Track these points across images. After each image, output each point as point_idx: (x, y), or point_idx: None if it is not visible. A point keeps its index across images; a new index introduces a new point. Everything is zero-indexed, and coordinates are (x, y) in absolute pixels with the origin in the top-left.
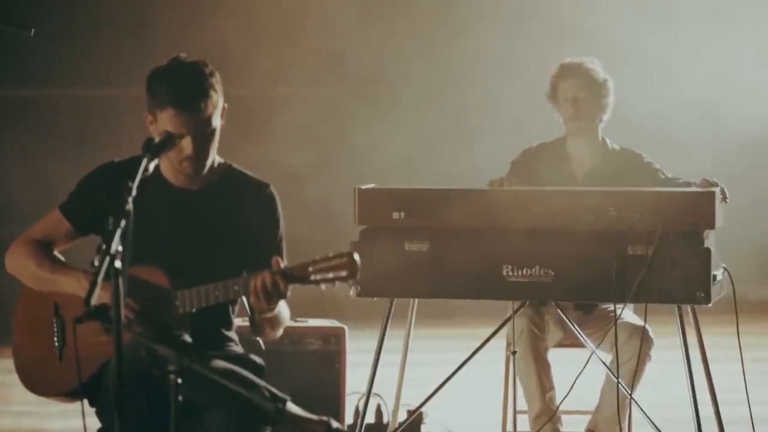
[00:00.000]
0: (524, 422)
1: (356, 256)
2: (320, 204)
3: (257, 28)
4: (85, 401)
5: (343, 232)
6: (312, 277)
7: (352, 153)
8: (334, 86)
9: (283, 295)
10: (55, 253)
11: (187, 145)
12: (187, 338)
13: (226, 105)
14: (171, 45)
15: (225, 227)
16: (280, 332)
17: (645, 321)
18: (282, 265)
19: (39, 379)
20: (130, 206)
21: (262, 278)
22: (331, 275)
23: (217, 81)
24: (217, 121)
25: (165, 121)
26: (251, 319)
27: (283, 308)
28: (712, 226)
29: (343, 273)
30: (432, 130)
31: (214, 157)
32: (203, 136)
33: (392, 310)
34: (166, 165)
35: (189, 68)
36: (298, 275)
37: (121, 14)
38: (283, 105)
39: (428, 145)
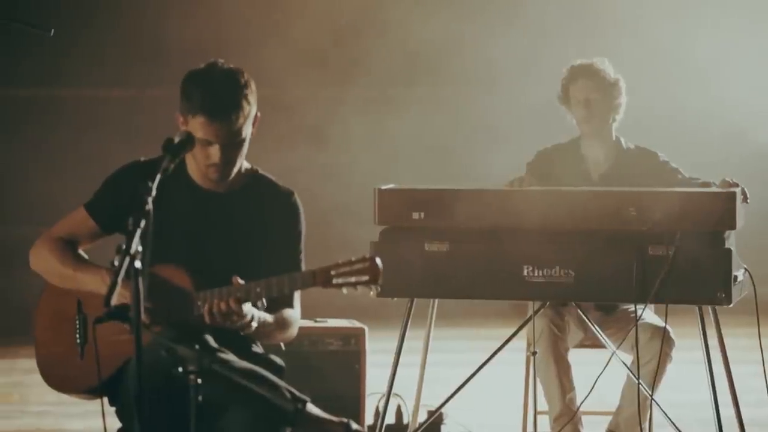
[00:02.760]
0: (545, 423)
1: (378, 261)
2: (334, 205)
3: (262, 27)
4: (105, 400)
5: (356, 232)
6: (334, 281)
7: (366, 152)
8: (350, 87)
9: (237, 318)
10: (80, 251)
11: (214, 152)
12: (208, 338)
13: (258, 114)
14: (187, 46)
15: (248, 231)
16: (289, 334)
17: (666, 322)
18: (240, 283)
19: (60, 376)
20: (149, 206)
21: (216, 303)
22: (353, 279)
23: (251, 91)
24: (247, 131)
25: (195, 127)
26: None
27: (289, 313)
28: (733, 226)
29: (365, 278)
30: (450, 129)
31: (242, 163)
32: (232, 145)
33: (412, 311)
34: (193, 166)
35: (225, 76)
36: (320, 280)
37: (136, 15)
38: (295, 105)
39: (445, 145)
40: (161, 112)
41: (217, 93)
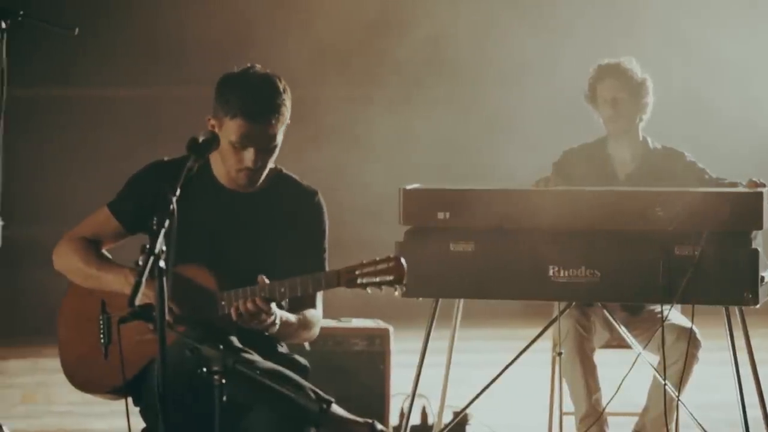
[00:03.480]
0: (570, 424)
1: (403, 261)
2: (357, 204)
3: (284, 26)
4: (129, 400)
5: (377, 232)
6: (359, 281)
7: (390, 152)
8: (375, 86)
9: (266, 316)
10: (103, 251)
11: (248, 156)
12: (232, 338)
13: (289, 121)
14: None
15: (272, 231)
16: (311, 334)
17: (692, 322)
18: (266, 282)
19: (84, 376)
20: (173, 206)
21: (242, 302)
22: (377, 279)
23: (288, 97)
24: (281, 137)
25: (231, 129)
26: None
27: (311, 313)
28: (759, 226)
29: (390, 277)
30: (476, 129)
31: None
32: (266, 150)
33: (437, 311)
34: (218, 166)
35: (264, 81)
36: (344, 280)
37: (153, 13)
38: (318, 104)
39: (471, 145)
40: (179, 111)
41: (257, 97)
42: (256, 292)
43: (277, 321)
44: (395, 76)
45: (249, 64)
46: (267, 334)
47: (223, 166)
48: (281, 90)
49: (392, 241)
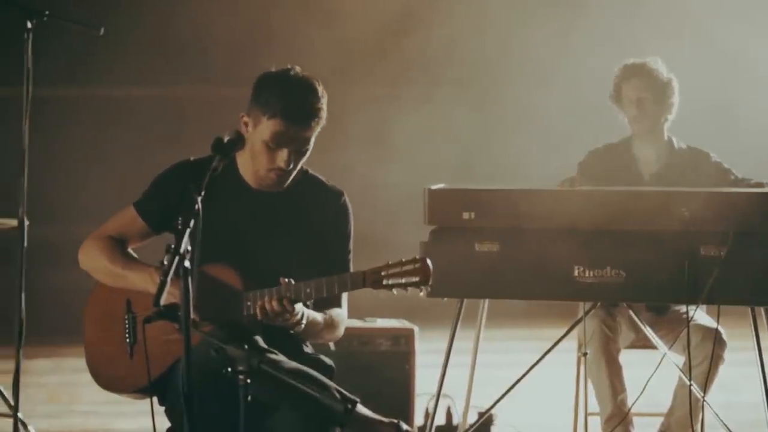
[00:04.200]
0: (596, 424)
1: (429, 262)
2: (381, 205)
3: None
4: (155, 399)
5: (401, 232)
6: (384, 282)
7: (413, 152)
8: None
9: (289, 317)
10: (129, 250)
11: (282, 156)
12: (257, 338)
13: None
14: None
15: (298, 232)
16: (337, 334)
17: (718, 323)
18: (290, 282)
19: (109, 375)
20: (199, 206)
21: (268, 301)
22: (403, 281)
23: (326, 101)
24: (313, 141)
25: (267, 129)
26: None
27: (337, 312)
28: None
29: (416, 278)
30: (501, 129)
31: None
32: (301, 152)
33: (462, 311)
34: (245, 166)
35: (306, 84)
36: (370, 281)
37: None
38: (341, 104)
39: (495, 145)
40: (198, 111)
41: (298, 99)
42: (281, 293)
43: (304, 320)
44: (419, 75)
45: (288, 66)
46: (292, 332)
47: (252, 166)
48: (320, 94)
49: (416, 242)
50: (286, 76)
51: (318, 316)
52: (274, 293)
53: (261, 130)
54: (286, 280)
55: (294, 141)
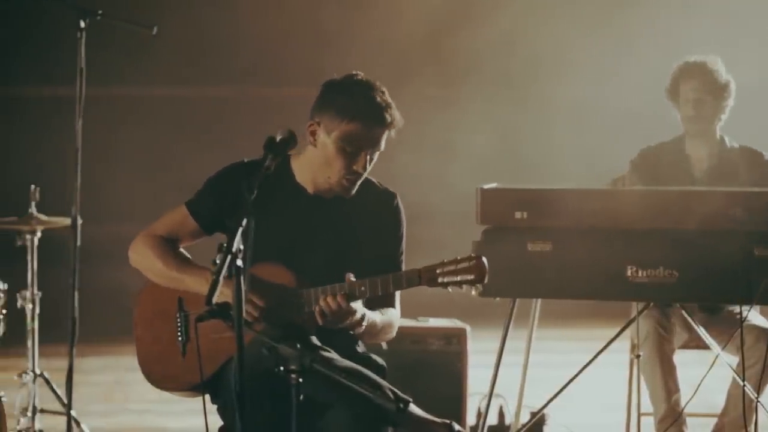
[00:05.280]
0: (649, 424)
1: (485, 261)
2: (433, 205)
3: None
4: (207, 398)
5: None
6: (439, 280)
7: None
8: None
9: (351, 316)
10: (180, 249)
11: (360, 161)
12: (311, 337)
13: None
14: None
15: (351, 234)
16: (391, 334)
17: None
18: (352, 279)
19: (161, 374)
20: (251, 205)
21: (324, 300)
22: (458, 279)
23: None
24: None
25: (345, 133)
26: None
27: (391, 312)
28: None
29: (471, 276)
30: (553, 129)
31: None
32: (372, 157)
33: (514, 311)
34: (301, 171)
35: (375, 87)
36: (425, 279)
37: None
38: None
39: (548, 144)
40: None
41: (374, 100)
42: (336, 290)
43: (365, 322)
44: (473, 75)
45: (353, 71)
46: (352, 333)
47: (322, 172)
48: (390, 99)
49: (468, 241)
50: (356, 80)
51: (377, 318)
52: (328, 290)
53: (336, 135)
54: (350, 275)
55: (371, 143)
